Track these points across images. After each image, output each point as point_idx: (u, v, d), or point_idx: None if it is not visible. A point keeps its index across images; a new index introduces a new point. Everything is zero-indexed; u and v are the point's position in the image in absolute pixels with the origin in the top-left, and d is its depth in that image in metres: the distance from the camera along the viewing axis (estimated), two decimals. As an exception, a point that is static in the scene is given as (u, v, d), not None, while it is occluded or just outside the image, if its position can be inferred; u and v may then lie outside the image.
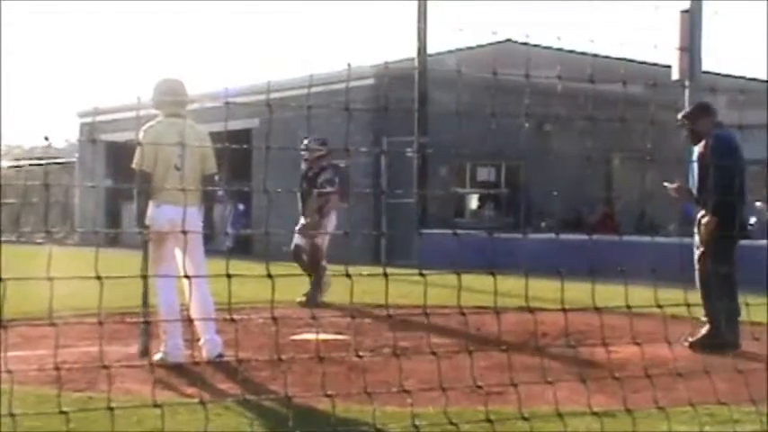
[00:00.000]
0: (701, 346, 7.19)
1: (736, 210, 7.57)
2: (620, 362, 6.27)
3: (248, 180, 23.76)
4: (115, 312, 8.59)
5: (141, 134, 6.92)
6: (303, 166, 11.33)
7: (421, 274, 4.04)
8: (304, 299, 10.77)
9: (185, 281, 6.47)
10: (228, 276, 3.77)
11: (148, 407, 4.07)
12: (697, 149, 7.66)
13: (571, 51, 19.98)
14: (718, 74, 21.81)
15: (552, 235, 17.53)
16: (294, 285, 10.90)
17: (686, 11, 16.87)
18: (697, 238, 7.67)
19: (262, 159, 22.21)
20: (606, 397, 5.16)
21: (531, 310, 4.76)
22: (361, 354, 6.67)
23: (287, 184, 11.34)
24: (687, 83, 16.67)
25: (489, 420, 4.02)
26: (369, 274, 4.23)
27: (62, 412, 3.74)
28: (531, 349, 6.72)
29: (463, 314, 4.33)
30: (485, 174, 24.73)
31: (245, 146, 19.90)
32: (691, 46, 16.79)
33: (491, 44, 20.47)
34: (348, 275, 3.94)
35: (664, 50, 17.19)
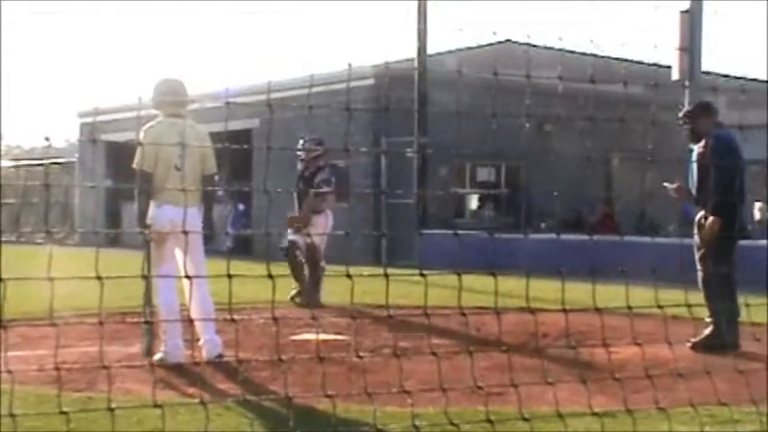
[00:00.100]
0: (703, 346, 7.19)
1: (737, 210, 7.57)
2: (621, 362, 6.27)
3: (248, 180, 23.76)
4: (115, 312, 8.59)
5: (142, 134, 6.92)
6: (299, 166, 11.32)
7: (422, 275, 4.03)
8: (298, 298, 10.76)
9: (185, 281, 6.47)
10: (229, 276, 3.77)
11: (149, 407, 4.07)
12: (697, 149, 7.66)
13: (571, 52, 19.96)
14: (718, 74, 21.81)
15: (553, 235, 17.53)
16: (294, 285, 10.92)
17: (686, 11, 16.86)
18: (697, 238, 7.67)
19: (262, 159, 22.21)
20: (607, 397, 5.16)
21: (532, 311, 4.76)
22: (361, 354, 6.67)
23: (287, 184, 11.36)
24: (687, 83, 16.67)
25: (490, 421, 4.02)
26: (369, 275, 4.23)
27: (62, 412, 3.74)
28: (531, 350, 6.72)
29: (464, 315, 4.33)
30: (485, 174, 24.74)
31: (245, 146, 19.90)
32: (691, 46, 16.79)
33: (491, 44, 20.49)
34: (349, 276, 3.94)
35: (664, 51, 17.20)
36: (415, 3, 21.65)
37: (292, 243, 10.95)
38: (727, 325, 7.33)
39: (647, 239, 13.49)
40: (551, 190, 19.94)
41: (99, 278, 3.56)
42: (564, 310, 4.27)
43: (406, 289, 8.46)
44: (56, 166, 33.09)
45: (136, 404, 4.80)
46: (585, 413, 4.40)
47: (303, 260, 10.93)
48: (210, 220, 7.18)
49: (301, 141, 11.18)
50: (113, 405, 3.71)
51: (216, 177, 7.21)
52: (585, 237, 15.75)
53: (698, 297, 7.29)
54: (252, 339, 7.72)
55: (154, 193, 6.81)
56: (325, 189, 10.93)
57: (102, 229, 28.23)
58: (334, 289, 10.40)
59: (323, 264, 10.81)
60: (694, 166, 7.64)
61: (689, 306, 4.88)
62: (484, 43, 21.30)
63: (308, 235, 10.54)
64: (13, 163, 34.27)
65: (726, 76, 23.54)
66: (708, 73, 18.06)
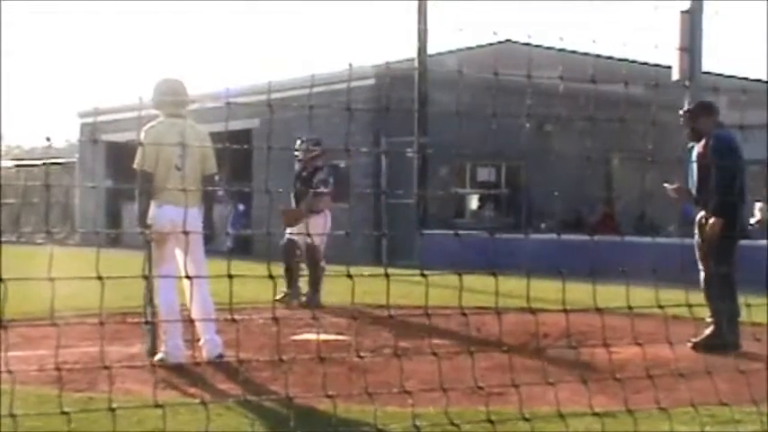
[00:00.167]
0: (703, 346, 7.19)
1: (737, 210, 7.57)
2: (622, 362, 6.27)
3: (249, 180, 23.76)
4: (116, 312, 8.59)
5: (142, 134, 6.91)
6: (297, 166, 11.31)
7: (422, 275, 4.03)
8: (285, 299, 10.72)
9: (186, 281, 6.47)
10: (230, 277, 3.77)
11: (149, 407, 4.07)
12: (697, 149, 7.66)
13: (572, 52, 19.98)
14: (718, 74, 21.81)
15: (553, 235, 17.54)
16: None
17: (686, 11, 16.86)
18: (698, 238, 7.67)
19: (262, 159, 22.22)
20: (607, 397, 5.16)
21: (533, 311, 4.76)
22: (361, 354, 6.67)
23: (286, 184, 11.37)
24: (687, 83, 16.66)
25: (491, 421, 4.02)
26: (370, 275, 4.23)
27: (63, 413, 3.73)
28: (532, 350, 6.72)
29: (464, 315, 4.33)
30: (485, 174, 24.74)
31: (245, 146, 19.90)
32: (691, 46, 16.79)
33: (491, 44, 20.48)
34: (350, 276, 3.94)
35: (664, 51, 17.19)
36: (416, 3, 21.66)
37: (292, 242, 10.91)
38: (727, 325, 7.33)
39: (647, 239, 13.49)
40: (551, 190, 19.95)
41: (100, 278, 3.56)
42: (565, 311, 4.27)
43: (406, 289, 8.47)
44: (56, 166, 33.09)
45: (136, 404, 4.80)
46: (586, 413, 4.40)
47: (301, 260, 10.91)
48: (211, 221, 7.18)
49: (299, 142, 11.17)
50: (114, 405, 3.71)
51: (216, 177, 7.22)
52: (586, 237, 15.76)
53: (698, 297, 7.29)
54: (252, 339, 7.72)
55: (154, 193, 6.82)
56: (322, 189, 10.92)
57: (102, 230, 28.23)
58: (334, 289, 10.41)
59: (323, 264, 10.80)
60: (694, 165, 7.64)
61: (690, 306, 4.88)
62: (484, 43, 21.31)
63: (309, 235, 10.52)
64: (13, 163, 34.26)
65: (726, 76, 23.55)
66: (708, 73, 18.06)
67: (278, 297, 10.39)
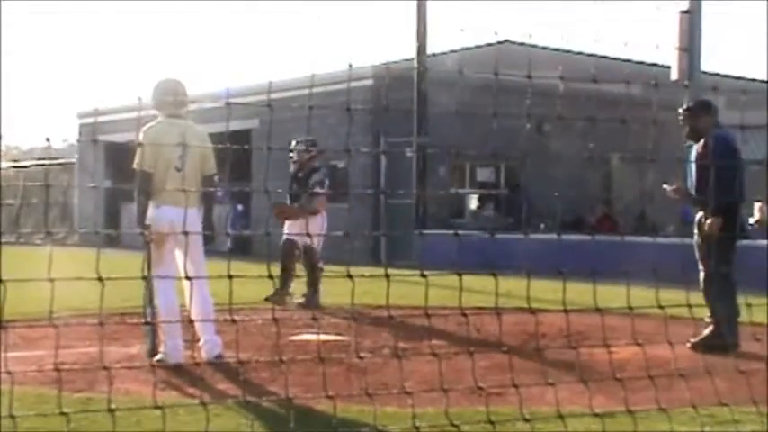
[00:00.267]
0: (703, 346, 7.19)
1: (737, 210, 7.57)
2: (621, 362, 6.27)
3: (247, 180, 23.75)
4: (114, 313, 8.59)
5: (141, 135, 6.91)
6: (292, 168, 11.28)
7: (422, 275, 4.03)
8: (302, 299, 10.75)
9: (185, 282, 6.47)
10: (230, 277, 3.76)
11: (148, 408, 4.07)
12: (695, 149, 7.65)
13: (569, 52, 20.01)
14: (717, 74, 21.80)
15: (553, 235, 17.53)
16: (295, 285, 10.91)
17: (686, 11, 16.86)
18: (697, 238, 7.67)
19: (261, 160, 22.21)
20: (607, 398, 5.16)
21: (532, 311, 4.76)
22: (361, 354, 6.67)
23: (286, 184, 11.37)
24: (687, 83, 16.65)
25: (491, 421, 4.02)
26: (370, 276, 4.22)
27: (62, 413, 3.73)
28: (531, 350, 6.71)
29: (464, 315, 4.32)
30: (484, 174, 24.73)
31: (245, 146, 19.88)
32: (690, 46, 16.78)
33: (490, 45, 20.48)
34: (350, 276, 3.94)
35: (664, 51, 17.18)
36: (415, 3, 21.65)
37: (291, 243, 10.89)
38: (727, 325, 7.33)
39: (646, 239, 13.49)
40: (550, 190, 19.94)
41: (99, 279, 3.56)
42: (564, 311, 4.27)
43: (405, 289, 8.45)
44: (55, 166, 33.06)
45: (136, 405, 4.80)
46: (586, 413, 4.40)
47: (299, 261, 10.90)
48: (210, 221, 7.17)
49: (294, 143, 11.16)
50: (113, 406, 3.71)
51: (216, 178, 7.21)
52: (586, 237, 15.76)
53: (697, 297, 7.29)
54: (251, 340, 7.72)
55: (153, 193, 6.81)
56: (318, 190, 10.92)
57: (102, 230, 28.22)
58: (333, 290, 10.41)
59: (321, 265, 10.79)
60: (692, 165, 7.64)
61: (690, 306, 4.87)
62: (482, 44, 21.30)
63: (309, 235, 10.51)
64: (12, 163, 34.23)
65: (725, 76, 23.54)
66: (707, 73, 18.05)
67: (268, 295, 10.30)
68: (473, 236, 17.72)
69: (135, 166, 6.83)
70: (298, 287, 10.86)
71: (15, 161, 35.43)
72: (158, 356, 6.71)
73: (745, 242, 8.10)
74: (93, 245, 19.63)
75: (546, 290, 6.17)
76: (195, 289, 6.44)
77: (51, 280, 3.46)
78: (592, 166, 22.49)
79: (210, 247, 7.01)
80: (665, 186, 7.92)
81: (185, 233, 6.00)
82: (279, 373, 6.09)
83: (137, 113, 6.08)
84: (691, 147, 7.78)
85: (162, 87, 7.07)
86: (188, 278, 6.37)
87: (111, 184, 28.29)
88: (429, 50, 21.71)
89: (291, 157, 11.22)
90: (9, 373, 3.87)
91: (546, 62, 7.17)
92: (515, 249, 8.66)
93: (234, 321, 4.56)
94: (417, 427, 4.07)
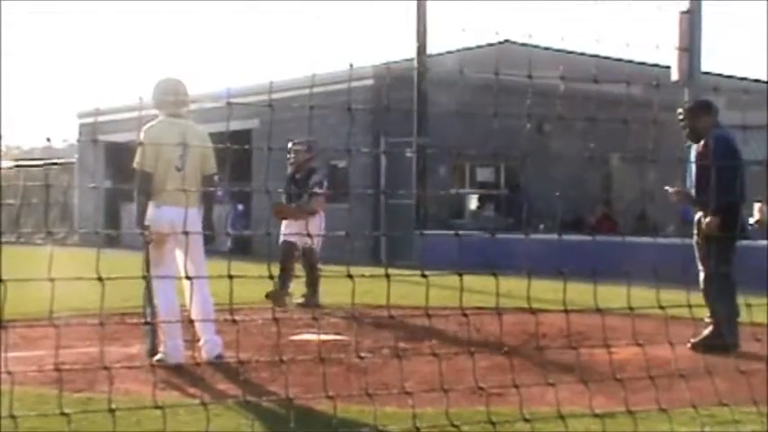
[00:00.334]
0: (703, 346, 7.18)
1: (738, 210, 7.57)
2: (621, 363, 6.27)
3: (248, 180, 23.76)
4: (114, 313, 8.59)
5: (142, 134, 6.91)
6: (289, 169, 11.27)
7: (423, 275, 4.03)
8: (302, 299, 10.76)
9: (186, 281, 6.47)
10: (230, 277, 3.76)
11: (149, 408, 4.06)
12: (695, 149, 7.65)
13: (570, 52, 19.98)
14: (718, 74, 21.80)
15: (554, 235, 17.53)
16: (294, 286, 10.91)
17: (686, 11, 16.85)
18: (697, 238, 7.67)
19: (261, 160, 22.21)
20: (607, 398, 5.16)
21: (533, 311, 4.76)
22: (361, 354, 6.67)
23: (285, 184, 11.37)
24: (687, 83, 16.64)
25: (491, 422, 4.01)
26: (371, 276, 4.22)
27: (63, 413, 3.73)
28: (531, 350, 6.71)
29: (465, 315, 4.32)
30: (484, 174, 24.73)
31: (246, 147, 19.88)
32: (690, 47, 16.78)
33: (490, 45, 20.47)
34: (350, 276, 3.94)
35: (665, 51, 17.17)
36: (415, 3, 21.64)
37: (290, 244, 10.88)
38: (727, 325, 7.33)
39: (647, 240, 13.49)
40: (551, 190, 19.94)
41: (100, 279, 3.56)
42: (565, 311, 4.27)
43: (405, 289, 8.45)
44: (55, 166, 33.07)
45: (136, 405, 4.80)
46: (586, 414, 4.40)
47: (298, 261, 10.89)
48: (210, 221, 7.17)
49: (290, 144, 11.14)
50: (113, 406, 3.71)
51: (216, 178, 7.21)
52: (586, 237, 15.76)
53: (698, 297, 7.29)
54: (251, 340, 7.72)
55: (154, 193, 6.81)
56: (317, 191, 10.92)
57: (102, 230, 28.22)
58: (333, 289, 10.41)
59: (319, 265, 10.79)
60: (692, 166, 7.64)
61: (690, 307, 4.87)
62: (483, 44, 21.30)
63: (309, 235, 10.50)
64: (12, 163, 34.22)
65: (726, 76, 23.53)
66: (708, 73, 18.05)
67: (269, 291, 10.21)
68: (473, 236, 17.71)
69: (135, 165, 6.83)
70: (297, 287, 10.85)
71: (16, 161, 35.44)
72: (158, 356, 6.71)
73: (745, 242, 8.09)
74: (93, 245, 19.63)
75: (546, 290, 6.17)
76: (195, 289, 6.43)
77: (51, 280, 3.46)
78: (592, 167, 22.49)
79: (210, 246, 7.01)
80: (666, 188, 7.91)
81: (186, 233, 6.00)
82: (279, 373, 6.09)
83: (137, 113, 6.08)
84: (690, 147, 7.78)
85: (163, 87, 7.07)
86: (188, 278, 6.36)
87: (111, 184, 28.29)
88: (429, 50, 21.71)
89: (289, 159, 11.22)
90: (9, 373, 3.87)
91: (546, 62, 7.16)
92: (516, 249, 8.66)
93: (234, 321, 4.56)
94: (418, 428, 4.07)
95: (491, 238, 15.19)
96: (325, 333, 8.17)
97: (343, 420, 4.79)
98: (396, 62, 22.71)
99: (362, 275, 4.03)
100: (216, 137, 7.48)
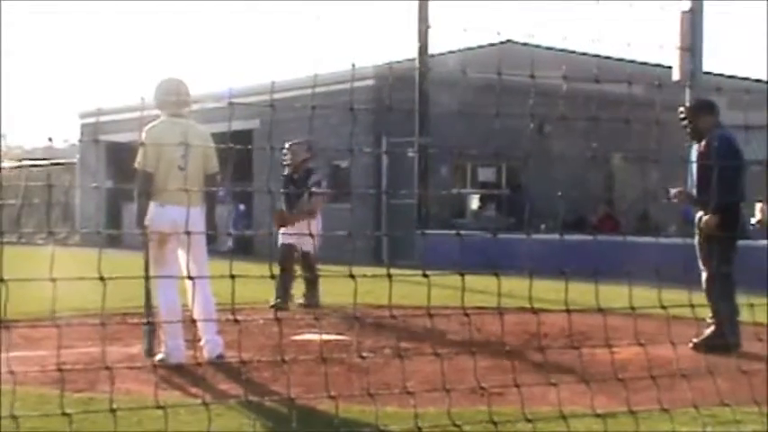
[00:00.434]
0: (704, 346, 7.18)
1: (738, 210, 7.56)
2: (623, 363, 6.27)
3: (249, 180, 23.76)
4: (116, 313, 8.59)
5: (143, 134, 6.91)
6: (286, 170, 11.24)
7: (425, 275, 4.03)
8: (303, 300, 10.75)
9: (188, 281, 6.46)
10: (232, 277, 3.76)
11: (150, 408, 4.06)
12: (696, 149, 7.64)
13: (572, 52, 19.96)
14: (720, 74, 21.79)
15: (555, 235, 17.53)
16: (294, 286, 10.91)
17: (687, 11, 16.84)
18: (698, 238, 7.66)
19: (262, 160, 22.21)
20: (608, 398, 5.15)
21: (534, 311, 4.76)
22: (362, 354, 6.67)
23: (283, 186, 11.35)
24: (688, 83, 16.63)
25: (492, 422, 4.01)
26: (372, 276, 4.22)
27: (64, 414, 3.73)
28: (533, 350, 6.71)
29: (467, 315, 4.32)
30: (486, 174, 24.73)
31: (248, 147, 19.89)
32: (692, 47, 16.77)
33: (492, 45, 20.46)
34: (352, 276, 3.94)
35: (667, 51, 17.16)
36: (417, 3, 21.64)
37: (290, 247, 10.85)
38: (729, 325, 7.33)
39: (649, 239, 13.48)
40: (552, 190, 19.93)
41: (101, 279, 3.56)
42: (566, 311, 4.27)
43: (407, 289, 8.45)
44: (57, 166, 33.08)
45: (137, 405, 4.80)
46: (587, 414, 4.40)
47: (297, 263, 10.87)
48: (212, 221, 7.17)
49: (287, 145, 11.12)
50: (114, 406, 3.71)
51: (218, 177, 7.21)
52: (588, 237, 15.75)
53: (700, 297, 7.29)
54: (252, 339, 7.72)
55: (155, 193, 6.81)
56: (318, 190, 10.92)
57: (104, 230, 28.23)
58: (335, 289, 10.40)
59: (317, 266, 10.78)
60: (693, 166, 7.63)
61: (692, 306, 4.87)
62: (484, 44, 21.30)
63: (311, 235, 10.49)
64: (13, 163, 34.24)
65: (727, 76, 23.52)
66: (709, 73, 18.04)
67: (272, 303, 10.25)
68: (475, 236, 17.71)
69: (136, 165, 6.83)
70: (297, 288, 10.85)
71: (17, 161, 35.45)
72: (160, 356, 6.71)
73: (745, 242, 8.09)
74: (94, 245, 19.64)
75: (548, 290, 6.15)
76: (197, 289, 6.43)
77: (53, 280, 3.46)
78: (594, 166, 22.47)
79: (212, 246, 7.01)
80: (669, 189, 7.90)
81: (188, 233, 6.00)
82: (281, 373, 6.09)
83: (139, 113, 6.08)
84: (691, 146, 7.77)
85: (164, 87, 7.07)
86: (190, 278, 6.36)
87: (112, 184, 28.30)
88: (431, 50, 21.70)
89: (285, 160, 11.18)
90: (11, 373, 3.87)
91: (548, 62, 7.16)
92: (517, 249, 8.64)
93: (236, 321, 4.56)
94: (419, 428, 4.06)
95: (493, 238, 15.19)
96: (327, 333, 8.17)
97: (344, 420, 4.79)
98: (397, 62, 22.71)
99: (364, 275, 4.03)
100: (217, 137, 7.48)
